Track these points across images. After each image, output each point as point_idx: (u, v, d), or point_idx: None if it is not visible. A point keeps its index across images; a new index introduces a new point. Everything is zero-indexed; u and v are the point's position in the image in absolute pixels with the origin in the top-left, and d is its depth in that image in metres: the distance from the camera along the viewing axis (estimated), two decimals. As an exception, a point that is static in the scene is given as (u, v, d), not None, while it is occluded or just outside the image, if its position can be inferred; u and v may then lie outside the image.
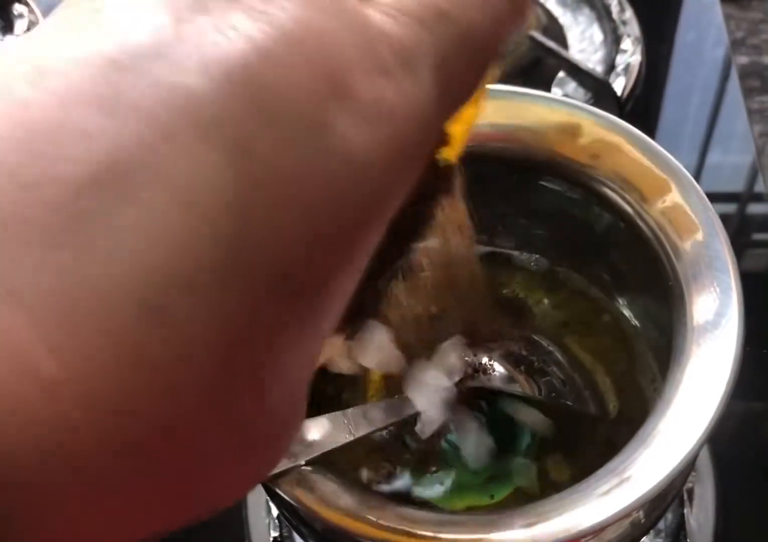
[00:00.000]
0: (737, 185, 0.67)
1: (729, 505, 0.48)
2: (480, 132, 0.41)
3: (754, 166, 0.68)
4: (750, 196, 0.67)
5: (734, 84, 0.73)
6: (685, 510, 0.47)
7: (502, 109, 0.41)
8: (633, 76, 0.66)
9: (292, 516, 0.38)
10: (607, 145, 0.39)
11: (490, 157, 0.41)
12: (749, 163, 0.68)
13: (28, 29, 0.75)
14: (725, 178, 0.69)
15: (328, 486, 0.33)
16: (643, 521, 0.36)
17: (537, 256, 0.47)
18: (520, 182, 0.43)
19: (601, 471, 0.33)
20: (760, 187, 0.67)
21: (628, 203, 0.39)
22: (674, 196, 0.37)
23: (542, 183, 0.43)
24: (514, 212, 0.46)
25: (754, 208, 0.68)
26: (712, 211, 0.36)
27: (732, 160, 0.70)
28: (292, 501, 0.32)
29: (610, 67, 0.67)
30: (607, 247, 0.44)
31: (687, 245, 0.37)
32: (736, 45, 0.83)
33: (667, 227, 0.37)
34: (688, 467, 0.33)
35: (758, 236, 0.67)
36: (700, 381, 0.33)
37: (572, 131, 0.40)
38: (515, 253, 0.48)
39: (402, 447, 0.42)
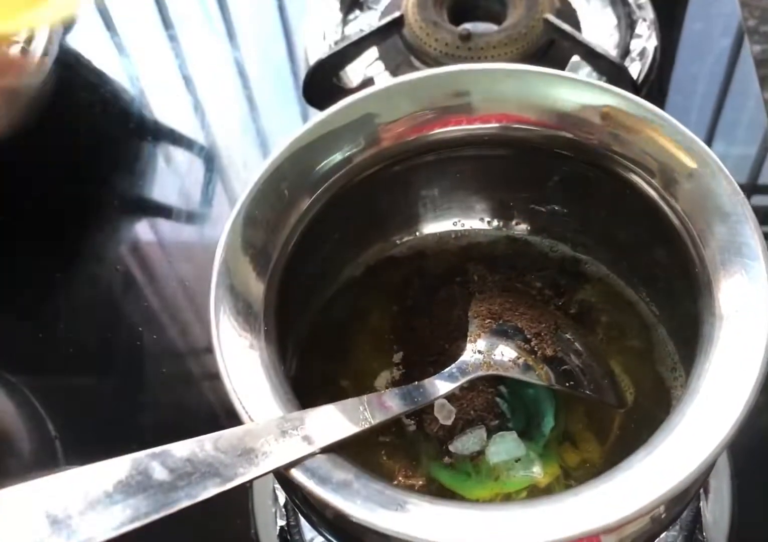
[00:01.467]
0: (741, 176, 0.66)
1: (745, 499, 0.48)
2: (500, 114, 0.40)
3: (758, 157, 0.67)
4: (753, 187, 0.67)
5: (741, 74, 0.72)
6: (701, 504, 0.46)
7: (523, 90, 0.40)
8: (648, 61, 0.65)
9: (303, 504, 0.37)
10: (633, 128, 0.38)
11: (510, 139, 0.40)
12: (753, 154, 0.67)
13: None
14: (729, 168, 0.68)
15: (342, 475, 0.31)
16: (663, 516, 0.35)
17: (555, 241, 0.46)
18: (540, 166, 0.42)
19: (624, 464, 0.32)
20: (763, 178, 0.66)
21: (654, 187, 0.38)
22: (702, 181, 0.36)
23: (564, 167, 0.41)
24: (533, 198, 0.45)
25: (758, 200, 0.67)
26: (741, 196, 0.35)
27: (736, 151, 0.69)
28: (305, 491, 0.31)
29: (625, 51, 0.66)
30: (629, 233, 0.42)
31: (715, 231, 0.35)
32: (750, 33, 0.81)
33: (694, 212, 0.36)
34: (714, 462, 0.32)
35: (762, 229, 0.66)
36: (728, 372, 0.32)
37: (597, 114, 0.38)
38: (532, 238, 0.47)
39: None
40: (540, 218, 0.46)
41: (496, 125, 0.40)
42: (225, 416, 0.57)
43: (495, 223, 0.48)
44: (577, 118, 0.39)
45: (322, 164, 0.38)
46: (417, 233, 0.48)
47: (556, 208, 0.45)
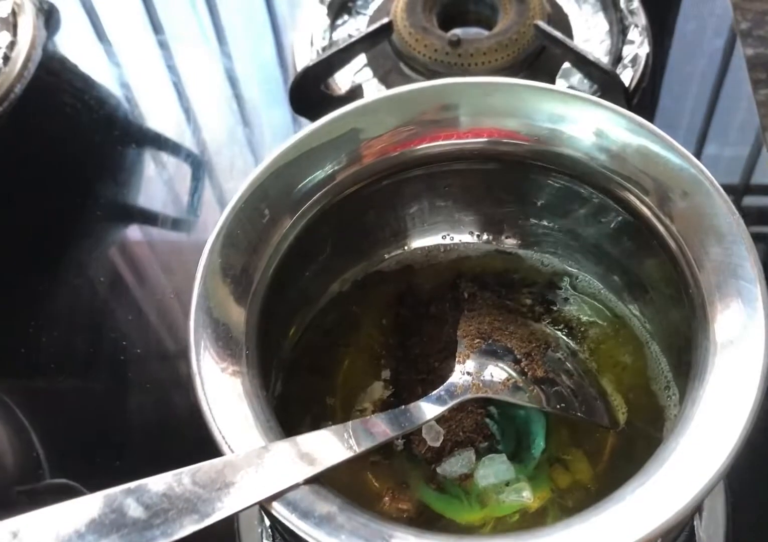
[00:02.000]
0: (733, 177, 0.66)
1: (740, 518, 0.47)
2: (488, 128, 0.39)
3: (750, 158, 0.66)
4: (746, 188, 0.66)
5: (733, 75, 0.71)
6: (695, 523, 0.45)
7: (512, 104, 0.39)
8: (641, 67, 0.64)
9: (286, 533, 0.36)
10: (626, 144, 0.37)
11: (499, 154, 0.39)
12: (746, 155, 0.67)
13: (12, 12, 0.72)
14: (721, 169, 0.67)
15: (326, 508, 0.30)
16: (659, 542, 0.34)
17: (546, 255, 0.45)
18: (530, 180, 0.41)
19: (617, 495, 0.31)
20: (756, 179, 0.65)
21: (647, 206, 0.37)
22: (697, 200, 0.35)
23: (554, 182, 0.40)
24: (523, 212, 0.44)
25: (750, 200, 0.67)
26: (737, 216, 0.34)
27: (729, 152, 0.69)
28: (289, 525, 0.30)
29: (617, 58, 0.65)
30: (621, 249, 0.41)
31: (710, 251, 0.34)
32: (742, 36, 0.80)
33: (688, 232, 0.35)
34: (711, 491, 0.31)
35: (754, 229, 0.66)
36: (723, 400, 0.31)
37: (589, 129, 0.37)
38: (523, 251, 0.46)
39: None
40: (530, 232, 0.45)
41: (485, 140, 0.39)
42: (199, 424, 0.56)
43: (485, 236, 0.47)
44: (568, 133, 0.38)
45: (305, 182, 0.37)
46: (405, 247, 0.47)
47: (547, 223, 0.44)
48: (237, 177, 0.68)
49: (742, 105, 0.69)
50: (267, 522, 0.48)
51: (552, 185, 0.41)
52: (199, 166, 0.69)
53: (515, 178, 0.41)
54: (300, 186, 0.37)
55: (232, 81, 0.74)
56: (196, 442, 0.54)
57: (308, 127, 0.37)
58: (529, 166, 0.39)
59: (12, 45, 0.71)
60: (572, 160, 0.38)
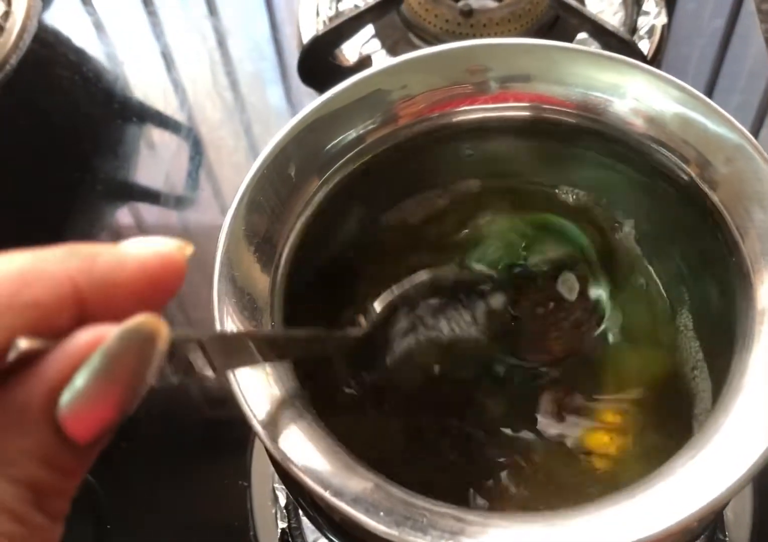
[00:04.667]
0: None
1: (767, 496, 0.46)
2: (525, 93, 0.37)
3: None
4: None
5: (732, 56, 0.70)
6: (723, 502, 0.44)
7: (543, 67, 0.37)
8: (657, 38, 0.62)
9: (308, 506, 0.35)
10: (666, 108, 0.35)
11: (535, 120, 0.37)
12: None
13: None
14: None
15: (362, 484, 0.29)
16: (695, 525, 0.33)
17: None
18: (561, 148, 0.39)
19: (662, 472, 0.29)
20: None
21: (687, 172, 0.35)
22: (740, 165, 0.34)
23: (585, 149, 0.39)
24: (553, 182, 0.42)
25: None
26: (784, 181, 0.33)
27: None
28: (317, 498, 0.29)
29: (632, 29, 0.63)
30: (654, 223, 0.40)
31: (754, 218, 0.33)
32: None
33: (731, 199, 0.34)
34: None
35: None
36: (771, 369, 0.30)
37: (627, 93, 0.36)
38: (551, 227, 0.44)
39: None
40: (558, 204, 0.43)
41: (522, 105, 0.37)
42: (211, 405, 0.54)
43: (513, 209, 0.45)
44: (603, 97, 0.36)
45: (332, 144, 0.35)
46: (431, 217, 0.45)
47: (577, 194, 0.42)
48: (238, 152, 0.67)
49: (739, 86, 0.68)
50: (282, 503, 0.47)
51: (582, 152, 0.39)
52: (198, 142, 0.68)
53: (546, 146, 0.40)
54: (327, 148, 0.35)
55: (227, 54, 0.72)
56: (207, 419, 0.53)
57: (335, 88, 0.35)
58: (562, 134, 0.38)
59: (6, 15, 0.68)
60: (607, 125, 0.37)
